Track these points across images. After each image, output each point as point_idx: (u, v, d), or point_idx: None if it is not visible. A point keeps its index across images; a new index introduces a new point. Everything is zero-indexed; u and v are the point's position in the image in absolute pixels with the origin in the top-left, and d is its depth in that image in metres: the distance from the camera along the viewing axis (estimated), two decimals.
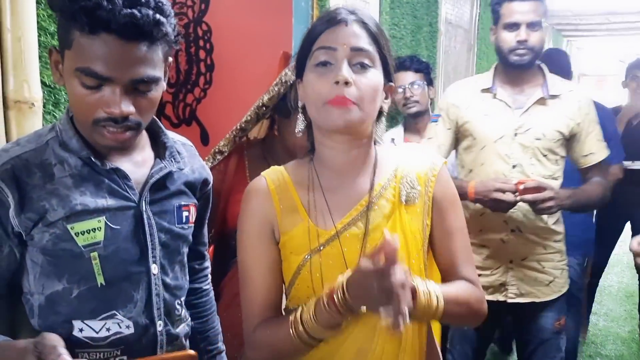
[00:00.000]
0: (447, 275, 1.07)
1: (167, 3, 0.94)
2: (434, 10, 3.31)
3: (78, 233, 0.95)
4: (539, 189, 1.67)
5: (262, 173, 1.06)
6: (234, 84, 2.67)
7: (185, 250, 1.13)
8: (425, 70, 2.48)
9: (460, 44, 3.88)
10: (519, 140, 1.82)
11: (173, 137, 1.13)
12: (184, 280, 1.13)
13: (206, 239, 1.29)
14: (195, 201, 1.13)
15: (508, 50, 1.82)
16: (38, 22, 1.15)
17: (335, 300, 0.88)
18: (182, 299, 1.13)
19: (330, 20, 0.97)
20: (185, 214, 1.09)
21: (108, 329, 0.99)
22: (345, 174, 1.02)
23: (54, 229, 0.94)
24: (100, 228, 0.96)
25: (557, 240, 1.89)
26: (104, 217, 0.97)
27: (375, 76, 0.96)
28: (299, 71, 1.02)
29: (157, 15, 0.90)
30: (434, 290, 0.93)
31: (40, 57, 1.16)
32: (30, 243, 0.96)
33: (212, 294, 1.32)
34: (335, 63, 0.94)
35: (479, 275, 1.73)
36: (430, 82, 2.50)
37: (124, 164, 1.01)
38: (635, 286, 3.89)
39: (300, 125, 1.04)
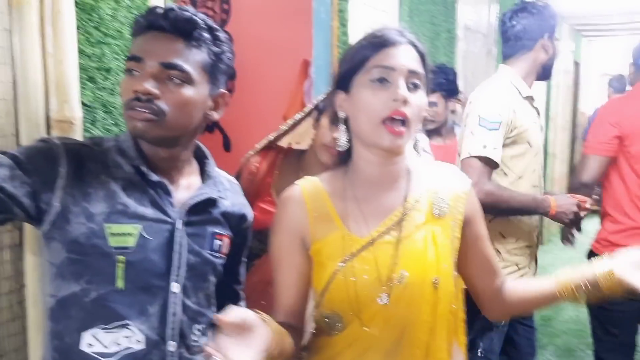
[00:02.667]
0: (488, 277, 1.17)
1: (220, 30, 1.07)
2: (452, 17, 3.34)
3: (112, 234, 0.98)
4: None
5: (297, 182, 1.11)
6: (255, 92, 2.73)
7: (213, 279, 1.14)
8: (446, 86, 2.49)
9: (479, 48, 3.89)
10: None
11: (220, 172, 1.19)
12: (208, 310, 1.13)
13: (243, 278, 1.29)
14: (230, 233, 1.16)
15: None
16: (77, 46, 1.22)
17: None
18: (203, 326, 1.11)
19: (386, 41, 1.01)
20: (218, 242, 1.12)
21: (118, 344, 0.99)
22: (380, 185, 1.08)
23: (91, 224, 0.97)
24: (134, 234, 1.00)
25: None
26: (140, 225, 1.01)
27: (423, 96, 1.03)
28: (343, 83, 1.05)
29: (194, 17, 1.02)
30: None
31: (79, 79, 1.23)
32: (58, 235, 0.98)
33: None
34: (393, 82, 0.99)
35: (522, 276, 1.92)
36: (451, 94, 2.52)
37: (171, 184, 1.07)
38: None
39: (342, 136, 1.07)
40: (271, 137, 1.62)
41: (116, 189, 1.01)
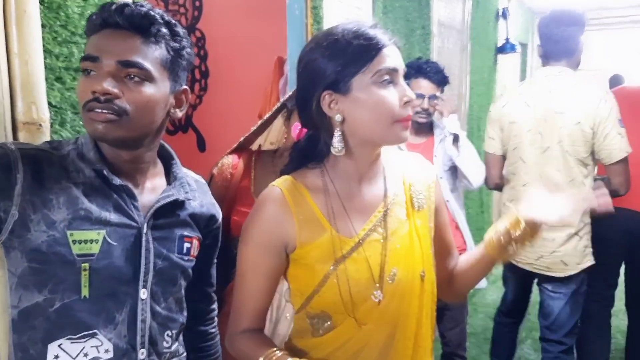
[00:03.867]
0: (446, 260, 1.22)
1: (178, 25, 1.03)
2: (426, 13, 3.35)
3: (75, 241, 0.95)
4: None
5: (274, 183, 1.08)
6: (229, 90, 2.70)
7: (183, 283, 1.12)
8: (445, 85, 2.49)
9: (453, 44, 3.92)
10: None
11: (187, 172, 1.16)
12: (179, 314, 1.11)
13: (214, 280, 1.28)
14: (199, 235, 1.13)
15: None
16: (44, 46, 1.18)
17: None
18: (174, 332, 1.10)
19: (382, 42, 1.00)
20: (186, 245, 1.09)
21: (86, 354, 0.97)
22: (361, 182, 1.08)
23: (53, 231, 0.94)
24: (98, 241, 0.97)
25: None
26: (104, 231, 0.98)
27: None
28: (335, 85, 1.00)
29: (151, 12, 0.98)
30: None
31: (46, 79, 1.19)
32: (18, 244, 0.94)
33: (218, 337, 1.31)
34: (398, 82, 1.01)
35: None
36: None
37: (135, 187, 1.04)
38: None
39: (338, 139, 1.02)
40: (242, 139, 1.61)
41: (78, 194, 0.97)
